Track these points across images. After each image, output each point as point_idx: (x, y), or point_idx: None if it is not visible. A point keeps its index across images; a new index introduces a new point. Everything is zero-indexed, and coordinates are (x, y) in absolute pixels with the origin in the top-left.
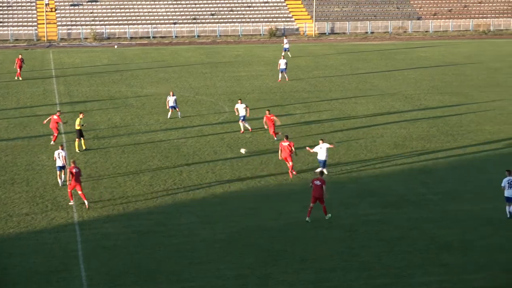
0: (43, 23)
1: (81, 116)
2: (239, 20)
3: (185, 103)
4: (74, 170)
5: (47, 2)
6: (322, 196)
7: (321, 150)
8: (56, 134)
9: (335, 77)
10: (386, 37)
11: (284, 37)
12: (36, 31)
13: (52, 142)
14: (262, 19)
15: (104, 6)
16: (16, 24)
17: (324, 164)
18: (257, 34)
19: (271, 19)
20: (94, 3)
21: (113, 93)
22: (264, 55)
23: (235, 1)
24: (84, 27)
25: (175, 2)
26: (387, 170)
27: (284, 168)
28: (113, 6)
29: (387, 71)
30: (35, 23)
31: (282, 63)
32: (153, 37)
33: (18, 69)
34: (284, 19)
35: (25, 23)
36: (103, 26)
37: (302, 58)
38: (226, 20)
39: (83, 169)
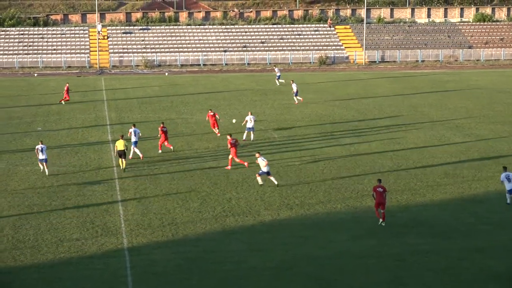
0: (96, 51)
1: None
2: (289, 48)
3: (234, 130)
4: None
5: (99, 30)
6: (384, 202)
7: None
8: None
9: (385, 106)
10: (437, 66)
11: (274, 66)
12: (89, 58)
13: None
14: (312, 47)
15: (156, 34)
16: (69, 51)
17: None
18: (307, 62)
19: (321, 47)
20: (146, 30)
21: (163, 120)
22: (314, 83)
23: (285, 29)
24: (135, 54)
25: (225, 30)
26: (437, 199)
27: (333, 196)
28: (164, 34)
29: (438, 99)
30: (88, 50)
31: (294, 88)
32: (204, 64)
33: (66, 95)
34: (334, 47)
35: (78, 50)
36: (154, 54)
37: (352, 86)
38: (276, 48)
39: (133, 195)
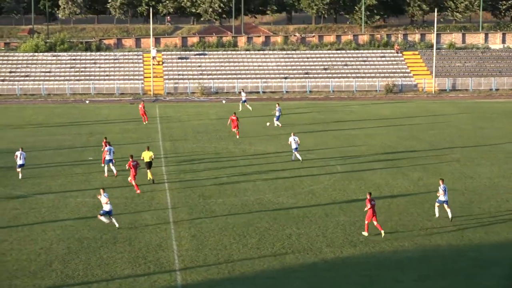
0: (150, 77)
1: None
2: (354, 75)
3: (295, 162)
4: None
5: (154, 55)
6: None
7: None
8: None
9: (456, 137)
10: None
11: (242, 90)
12: (142, 85)
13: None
14: (378, 74)
15: (213, 59)
16: (122, 77)
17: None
18: (372, 89)
19: (387, 74)
20: (202, 56)
21: (220, 150)
22: (379, 113)
23: (350, 54)
24: (191, 81)
25: (286, 55)
26: None
27: (399, 233)
28: (222, 59)
29: None
30: (141, 77)
31: (277, 112)
32: (263, 91)
33: (144, 116)
34: (401, 74)
35: (131, 77)
36: (211, 80)
37: (420, 116)
38: (340, 75)
39: (187, 229)
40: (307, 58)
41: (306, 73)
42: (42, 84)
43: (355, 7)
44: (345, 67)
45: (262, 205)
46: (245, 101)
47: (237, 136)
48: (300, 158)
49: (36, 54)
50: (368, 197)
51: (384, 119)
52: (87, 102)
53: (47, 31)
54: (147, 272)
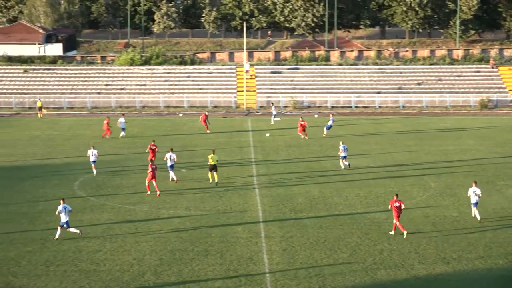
0: (242, 90)
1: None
2: (448, 90)
3: (387, 177)
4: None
5: (247, 69)
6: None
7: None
8: None
9: None
10: None
11: (272, 104)
12: (235, 98)
13: None
14: (472, 90)
15: (305, 74)
16: (215, 91)
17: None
18: (466, 105)
19: (482, 90)
20: (295, 70)
21: (312, 165)
22: (474, 128)
23: (444, 69)
24: (283, 95)
25: (379, 70)
26: None
27: (494, 251)
28: (314, 74)
29: None
30: (235, 90)
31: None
32: (356, 106)
33: (205, 125)
34: (496, 90)
35: (224, 90)
36: (303, 94)
37: None
38: (433, 90)
39: (278, 243)
40: (400, 72)
41: (399, 88)
42: (136, 97)
43: (450, 21)
44: (439, 82)
45: (353, 220)
46: (275, 115)
47: (306, 137)
48: (347, 164)
49: (131, 67)
50: (395, 198)
51: (478, 135)
52: (181, 115)
53: (143, 45)
54: (238, 285)
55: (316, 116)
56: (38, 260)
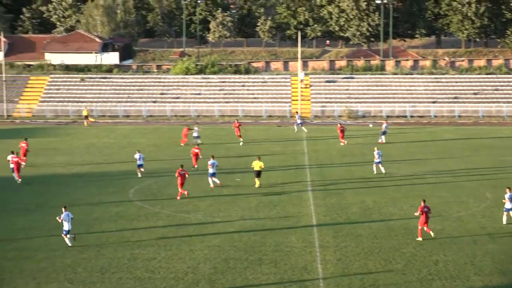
0: (297, 100)
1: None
2: (504, 100)
3: (443, 188)
4: None
5: (302, 78)
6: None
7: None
8: None
9: None
10: None
11: (297, 114)
12: (290, 108)
13: None
14: None
15: (360, 83)
16: (270, 100)
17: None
18: None
19: None
20: (350, 79)
21: (366, 174)
22: None
23: (501, 79)
24: (338, 104)
25: (435, 79)
26: None
27: None
28: (369, 83)
29: None
30: (289, 100)
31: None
32: (411, 116)
33: (238, 134)
34: None
35: (279, 99)
36: (358, 104)
37: None
38: (490, 100)
39: (333, 253)
40: (456, 82)
41: (455, 98)
42: (191, 105)
43: (507, 31)
44: (496, 92)
45: (408, 230)
46: (301, 123)
47: (345, 143)
48: (383, 170)
49: (186, 76)
50: (422, 204)
51: None
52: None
53: (198, 54)
54: None
55: (370, 125)
56: (93, 267)
